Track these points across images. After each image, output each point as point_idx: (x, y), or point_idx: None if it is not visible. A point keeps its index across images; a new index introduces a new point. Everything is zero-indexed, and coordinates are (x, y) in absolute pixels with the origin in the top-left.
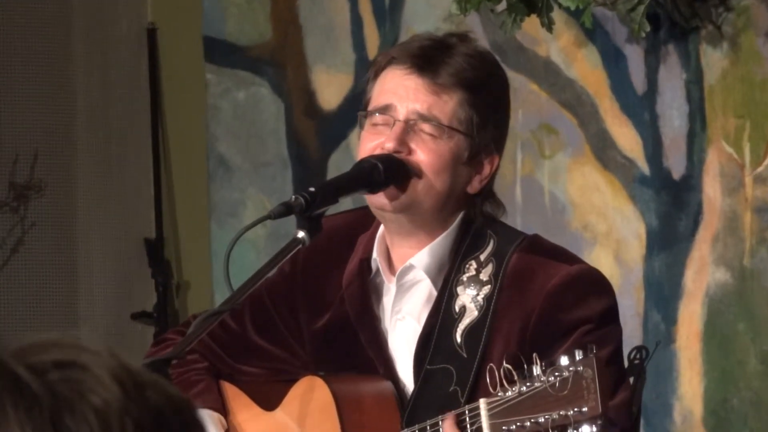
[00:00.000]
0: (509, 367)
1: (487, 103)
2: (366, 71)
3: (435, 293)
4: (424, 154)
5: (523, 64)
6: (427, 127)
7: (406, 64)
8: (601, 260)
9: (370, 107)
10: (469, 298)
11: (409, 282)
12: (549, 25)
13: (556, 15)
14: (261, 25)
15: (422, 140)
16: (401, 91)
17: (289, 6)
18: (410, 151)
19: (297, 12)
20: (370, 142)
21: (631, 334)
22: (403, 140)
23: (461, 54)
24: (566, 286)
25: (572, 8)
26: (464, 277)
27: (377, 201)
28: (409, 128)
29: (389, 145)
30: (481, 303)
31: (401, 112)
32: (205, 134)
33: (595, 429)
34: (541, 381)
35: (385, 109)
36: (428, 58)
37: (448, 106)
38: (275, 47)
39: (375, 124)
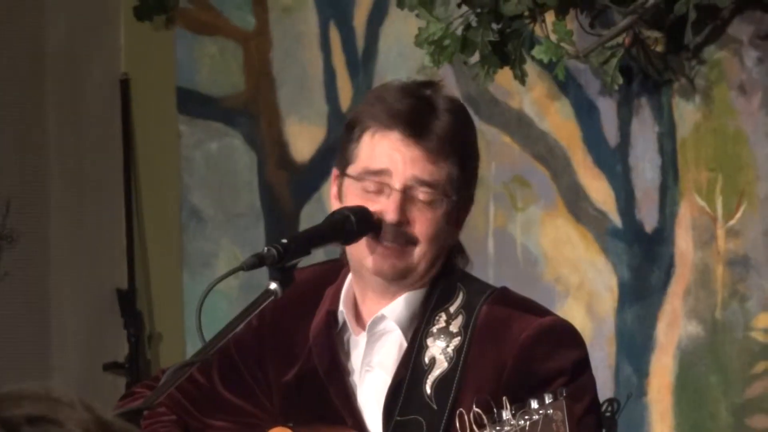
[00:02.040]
0: (479, 411)
1: (472, 163)
2: (339, 122)
3: (405, 345)
4: (421, 224)
5: (496, 117)
6: (423, 194)
7: (398, 129)
8: (573, 313)
9: (359, 170)
10: (438, 350)
11: (379, 333)
12: (522, 78)
13: (529, 67)
14: (234, 76)
15: (419, 208)
16: (397, 158)
17: (262, 57)
18: (409, 221)
19: (270, 63)
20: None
21: (603, 387)
22: (403, 210)
23: (444, 112)
24: (539, 337)
25: (545, 61)
26: (434, 329)
27: (375, 266)
28: (406, 197)
29: (391, 217)
30: (451, 355)
31: (397, 179)
32: (178, 185)
33: None
34: (510, 425)
35: (379, 174)
36: (420, 122)
37: (444, 171)
38: (248, 98)
39: (367, 189)
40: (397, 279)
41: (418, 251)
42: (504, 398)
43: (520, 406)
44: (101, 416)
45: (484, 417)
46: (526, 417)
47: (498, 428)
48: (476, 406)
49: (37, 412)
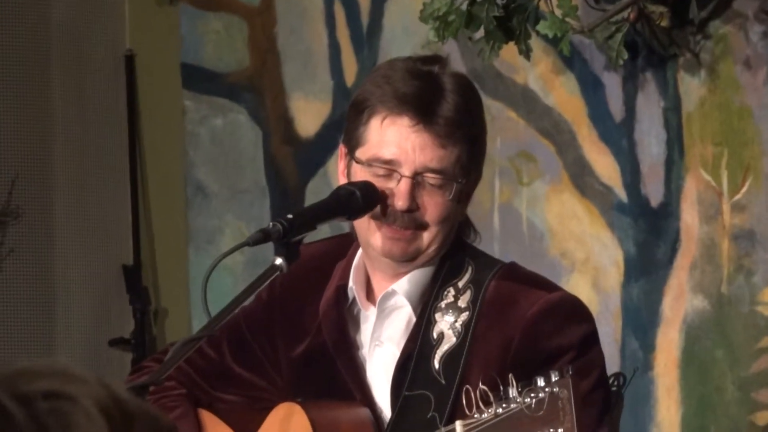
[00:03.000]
0: (485, 388)
1: (480, 145)
2: (344, 98)
3: (414, 320)
4: (431, 209)
5: (501, 92)
6: (433, 180)
7: (407, 115)
8: (578, 287)
9: (369, 155)
10: (447, 325)
11: (390, 308)
12: (527, 53)
13: (534, 42)
14: (239, 52)
15: (428, 193)
16: (407, 146)
17: (267, 33)
18: (419, 206)
19: (275, 39)
20: None
21: (609, 361)
22: (413, 197)
23: (450, 92)
24: (546, 313)
25: (550, 36)
26: (443, 304)
27: (385, 249)
28: (416, 183)
29: (401, 204)
30: (459, 330)
31: (407, 167)
32: (182, 161)
33: None
34: (516, 402)
35: (389, 163)
36: (427, 107)
37: (453, 155)
38: (253, 74)
39: (376, 175)
40: (407, 261)
41: (427, 235)
42: (510, 375)
43: (526, 383)
44: (116, 393)
45: (490, 394)
46: (532, 395)
47: (504, 405)
48: (483, 383)
49: (52, 388)
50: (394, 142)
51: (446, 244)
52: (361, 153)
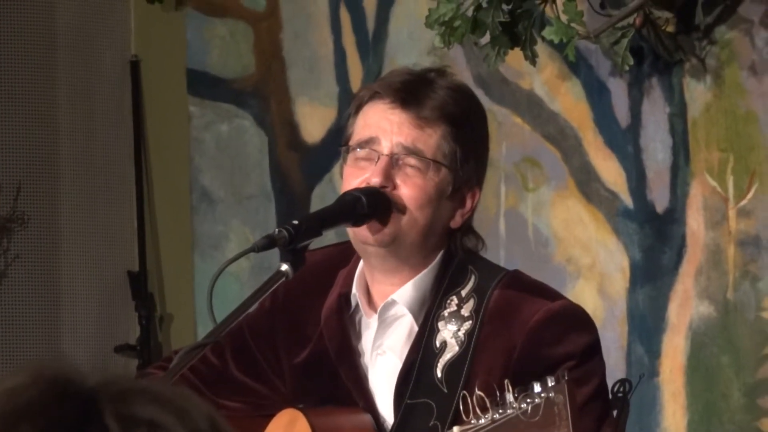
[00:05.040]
0: (482, 394)
1: (469, 137)
2: (349, 103)
3: (416, 329)
4: (408, 189)
5: (507, 98)
6: (411, 161)
7: (389, 98)
8: (584, 293)
9: (353, 141)
10: (450, 334)
11: (391, 317)
12: (533, 58)
13: (540, 48)
14: (244, 58)
15: (407, 175)
16: (385, 125)
17: (272, 38)
18: (395, 186)
19: (280, 44)
20: (355, 177)
21: (615, 367)
22: (388, 175)
23: (443, 88)
24: (549, 322)
25: (556, 41)
26: (445, 313)
27: (361, 235)
28: (393, 162)
29: (375, 180)
30: (462, 338)
31: (386, 146)
32: (188, 167)
33: None
34: (513, 408)
35: (368, 143)
36: (411, 92)
37: (432, 139)
38: (258, 80)
39: (358, 159)
40: (384, 246)
41: (405, 219)
42: (506, 381)
43: (522, 389)
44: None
45: (486, 400)
46: (528, 400)
47: (501, 411)
48: (485, 392)
49: (159, 418)
50: (373, 123)
51: (432, 239)
52: (349, 142)
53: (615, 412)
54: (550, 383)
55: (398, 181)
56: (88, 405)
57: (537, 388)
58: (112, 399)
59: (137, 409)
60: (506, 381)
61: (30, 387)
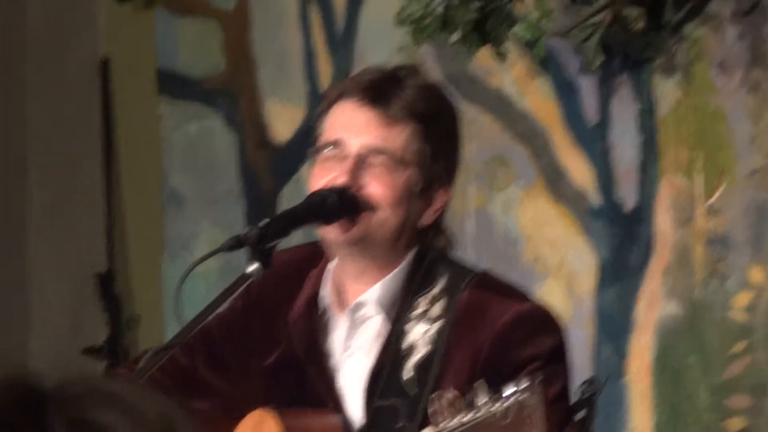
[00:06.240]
0: (456, 393)
1: (438, 135)
2: (318, 103)
3: (386, 329)
4: (376, 187)
5: (476, 96)
6: (379, 159)
7: (356, 97)
8: (552, 293)
9: (321, 142)
10: (419, 334)
11: (361, 318)
12: (502, 56)
13: (510, 45)
14: (214, 57)
15: (375, 173)
16: (352, 125)
17: (241, 38)
18: (363, 185)
19: (250, 44)
20: (322, 177)
21: (582, 367)
22: (355, 174)
23: (411, 86)
24: (516, 323)
25: (525, 39)
26: (415, 313)
27: (330, 234)
28: (361, 162)
29: (342, 180)
30: (432, 339)
31: (353, 145)
32: (158, 167)
33: None
34: (484, 409)
35: (335, 144)
36: (378, 91)
37: (400, 138)
38: (228, 79)
39: (326, 159)
40: (354, 245)
41: (375, 218)
42: (479, 383)
43: (495, 390)
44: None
45: (456, 402)
46: (500, 402)
47: (472, 413)
48: (451, 390)
49: (112, 424)
50: (340, 122)
51: (403, 238)
52: (318, 142)
53: (583, 412)
54: (523, 385)
55: (366, 180)
56: (40, 409)
57: (509, 389)
58: (66, 403)
59: (90, 413)
60: (479, 382)
61: None
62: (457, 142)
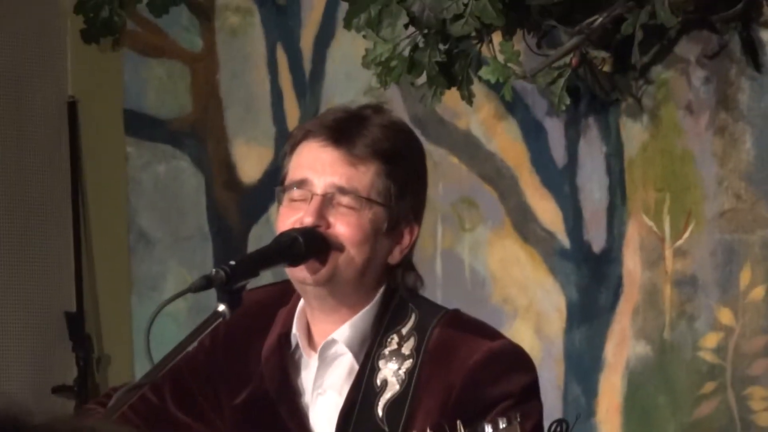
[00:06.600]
0: None
1: (404, 173)
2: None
3: (357, 367)
4: (343, 227)
5: (444, 137)
6: (345, 199)
7: (321, 137)
8: (521, 333)
9: (287, 182)
10: (390, 372)
11: (332, 356)
12: (469, 98)
13: (477, 88)
14: (181, 98)
15: (341, 213)
16: (317, 165)
17: (209, 79)
18: (329, 225)
19: (217, 85)
20: (289, 218)
21: (552, 407)
22: (321, 214)
23: (376, 125)
24: (488, 362)
25: (492, 81)
26: (386, 351)
27: (298, 274)
28: (327, 201)
29: (308, 220)
30: (403, 377)
31: (318, 185)
32: (125, 207)
33: None
34: None
35: (301, 184)
36: (343, 130)
37: (365, 177)
38: (196, 120)
39: (293, 200)
40: (322, 284)
41: (342, 258)
42: (458, 422)
43: (472, 430)
44: None
45: None
46: None
47: None
48: (428, 430)
49: None
50: (305, 162)
51: (370, 277)
52: (284, 182)
53: None
54: (502, 425)
55: (333, 220)
56: None
57: (488, 429)
58: None
59: None
60: (459, 422)
61: None
62: (424, 180)
